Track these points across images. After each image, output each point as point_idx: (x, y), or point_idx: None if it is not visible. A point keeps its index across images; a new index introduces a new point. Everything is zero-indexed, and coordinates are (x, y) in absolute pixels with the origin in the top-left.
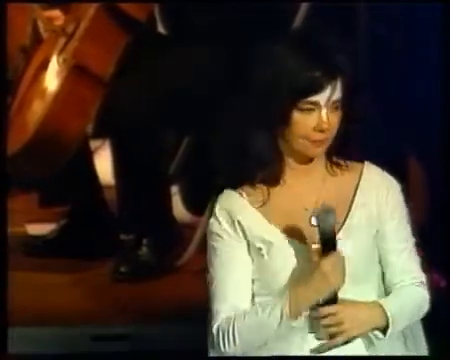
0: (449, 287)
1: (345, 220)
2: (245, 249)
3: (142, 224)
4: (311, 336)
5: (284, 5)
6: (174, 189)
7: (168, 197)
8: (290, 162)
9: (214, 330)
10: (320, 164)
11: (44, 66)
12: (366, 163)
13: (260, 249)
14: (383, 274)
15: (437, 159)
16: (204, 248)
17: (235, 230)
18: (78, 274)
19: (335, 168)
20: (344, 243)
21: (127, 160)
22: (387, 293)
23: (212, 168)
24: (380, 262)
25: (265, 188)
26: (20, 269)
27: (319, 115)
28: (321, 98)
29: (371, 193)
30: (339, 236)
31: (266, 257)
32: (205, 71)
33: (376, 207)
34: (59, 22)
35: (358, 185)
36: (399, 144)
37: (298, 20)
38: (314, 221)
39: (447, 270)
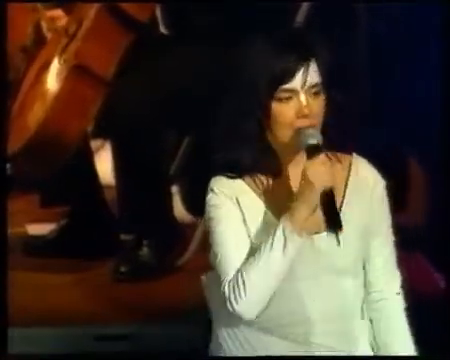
0: (449, 287)
1: None
2: (242, 221)
3: (142, 224)
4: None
5: (285, 5)
6: (174, 189)
7: (169, 197)
8: (282, 154)
9: (225, 289)
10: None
11: (46, 66)
12: (354, 156)
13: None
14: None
15: (437, 159)
16: (205, 248)
17: (234, 204)
18: (78, 274)
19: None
20: (319, 246)
21: (128, 160)
22: (367, 292)
23: (212, 168)
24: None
25: (264, 179)
26: (21, 269)
27: (298, 101)
28: (296, 83)
29: (360, 188)
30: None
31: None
32: (206, 71)
33: (365, 202)
34: (62, 22)
35: (348, 179)
36: (399, 145)
37: (299, 20)
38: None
39: (447, 270)
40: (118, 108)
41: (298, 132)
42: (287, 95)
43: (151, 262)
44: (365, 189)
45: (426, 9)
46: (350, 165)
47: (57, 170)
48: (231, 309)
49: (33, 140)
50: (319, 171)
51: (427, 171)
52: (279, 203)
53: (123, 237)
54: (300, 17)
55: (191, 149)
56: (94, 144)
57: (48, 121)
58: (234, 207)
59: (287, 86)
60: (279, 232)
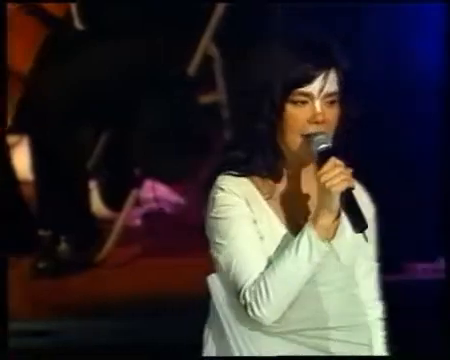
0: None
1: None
2: (254, 223)
3: (60, 220)
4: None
5: (201, 3)
6: (92, 185)
7: (86, 193)
8: (291, 159)
9: (246, 296)
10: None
11: None
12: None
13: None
14: None
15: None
16: (122, 243)
17: (246, 204)
18: None
19: None
20: (338, 254)
21: (45, 156)
22: None
23: (130, 163)
24: None
25: (270, 182)
26: None
27: (313, 106)
28: (313, 88)
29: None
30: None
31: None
32: (123, 67)
33: None
34: None
35: None
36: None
37: (215, 17)
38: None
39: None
40: (35, 104)
41: (308, 141)
42: (303, 99)
43: (69, 258)
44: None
45: (427, 9)
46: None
47: None
48: (252, 314)
49: None
50: (333, 174)
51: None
52: (285, 208)
53: (41, 233)
54: (217, 13)
55: (109, 144)
56: (11, 140)
57: None
58: (246, 208)
59: (304, 90)
60: (304, 239)
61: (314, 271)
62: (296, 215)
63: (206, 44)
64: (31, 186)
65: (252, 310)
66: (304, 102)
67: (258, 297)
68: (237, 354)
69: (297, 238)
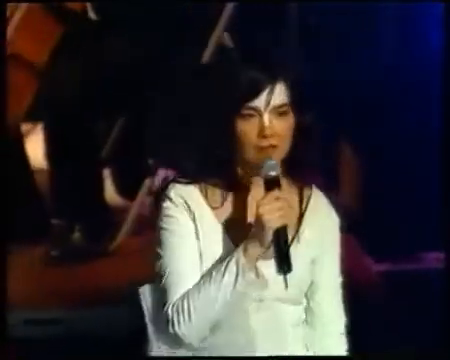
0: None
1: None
2: (196, 238)
3: (75, 208)
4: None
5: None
6: (106, 173)
7: (100, 181)
8: (244, 171)
9: (169, 311)
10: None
11: None
12: (313, 189)
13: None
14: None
15: (371, 143)
16: (136, 232)
17: (190, 218)
18: (10, 257)
19: (284, 186)
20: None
21: (59, 144)
22: (310, 320)
23: (144, 152)
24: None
25: (222, 193)
26: None
27: (261, 120)
28: (259, 103)
29: (316, 222)
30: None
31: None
32: (137, 56)
33: (317, 238)
34: None
35: (305, 210)
36: (332, 128)
37: (226, 14)
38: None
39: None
40: (50, 92)
41: (260, 161)
42: (250, 113)
43: (83, 246)
44: (319, 225)
45: (427, 7)
46: (309, 198)
47: None
48: (172, 331)
49: None
50: (272, 209)
51: (360, 154)
52: (233, 220)
53: (54, 221)
54: (227, 11)
55: (123, 133)
56: (25, 127)
57: None
58: (189, 222)
59: (251, 104)
60: (232, 264)
61: (240, 299)
62: (244, 228)
63: (220, 33)
64: (45, 174)
65: (172, 326)
66: (252, 115)
67: (180, 315)
68: None
69: (225, 262)
